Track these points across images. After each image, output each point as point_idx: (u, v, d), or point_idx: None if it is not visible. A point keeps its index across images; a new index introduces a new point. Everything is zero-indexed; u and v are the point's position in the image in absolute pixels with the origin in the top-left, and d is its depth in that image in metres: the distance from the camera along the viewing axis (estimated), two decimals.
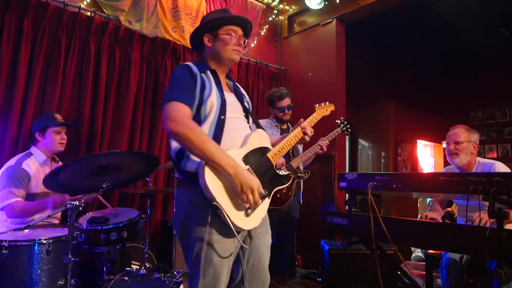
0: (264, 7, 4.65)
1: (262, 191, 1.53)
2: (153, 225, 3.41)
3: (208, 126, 1.56)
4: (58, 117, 2.55)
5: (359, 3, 4.09)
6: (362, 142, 6.18)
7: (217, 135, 1.55)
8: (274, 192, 1.67)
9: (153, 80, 3.55)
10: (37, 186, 2.42)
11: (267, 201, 1.62)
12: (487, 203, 1.49)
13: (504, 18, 4.79)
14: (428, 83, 6.73)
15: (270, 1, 4.73)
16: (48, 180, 1.86)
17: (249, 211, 1.52)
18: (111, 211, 2.64)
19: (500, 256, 1.47)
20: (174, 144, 1.59)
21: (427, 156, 7.22)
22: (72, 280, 1.78)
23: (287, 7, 4.81)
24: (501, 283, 2.01)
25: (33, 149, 2.50)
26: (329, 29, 4.36)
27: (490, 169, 2.41)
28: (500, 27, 4.85)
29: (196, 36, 1.74)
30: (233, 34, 1.68)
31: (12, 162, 2.40)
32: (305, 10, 4.58)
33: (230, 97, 1.68)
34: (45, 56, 2.92)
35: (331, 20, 4.33)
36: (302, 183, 3.31)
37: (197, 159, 1.50)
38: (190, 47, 3.68)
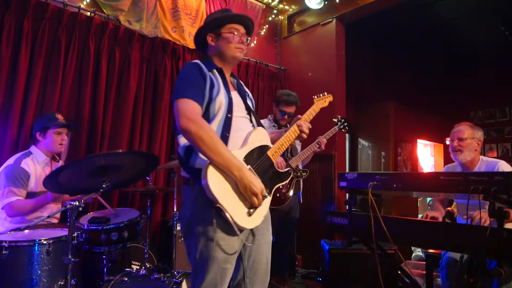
0: (264, 7, 4.65)
1: (266, 193, 1.55)
2: (153, 225, 3.41)
3: (216, 125, 1.58)
4: (60, 117, 2.55)
5: (358, 3, 4.09)
6: (362, 142, 6.18)
7: (225, 134, 1.58)
8: (274, 191, 1.69)
9: (153, 80, 3.55)
10: (37, 185, 2.41)
11: (268, 199, 1.64)
12: (488, 202, 1.49)
13: (503, 17, 4.78)
14: (428, 83, 6.73)
15: (270, 1, 4.73)
16: (48, 181, 1.86)
17: (251, 210, 1.54)
18: (111, 211, 2.64)
19: (500, 256, 1.47)
20: (183, 141, 1.60)
21: (427, 156, 7.22)
22: (72, 280, 1.78)
23: (287, 7, 4.81)
24: (501, 283, 2.01)
25: (33, 149, 2.50)
26: (328, 29, 4.36)
27: (494, 168, 2.40)
28: (500, 26, 4.85)
29: (200, 36, 1.76)
30: (236, 33, 1.70)
31: (11, 161, 2.40)
32: (305, 10, 4.58)
33: (234, 96, 1.70)
34: (45, 56, 2.92)
35: (331, 20, 4.33)
36: (301, 182, 3.31)
37: None
38: (190, 47, 3.78)
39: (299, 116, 1.87)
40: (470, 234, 1.61)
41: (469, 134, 2.47)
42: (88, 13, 3.19)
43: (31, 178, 2.39)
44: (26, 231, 2.12)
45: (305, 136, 1.82)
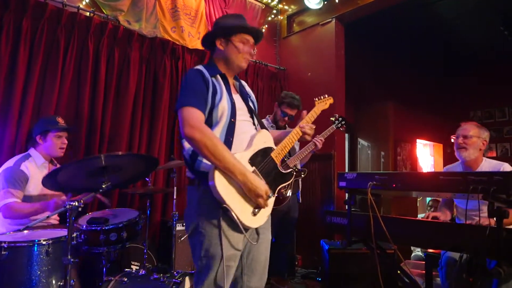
0: (263, 7, 4.65)
1: (270, 194, 1.60)
2: (153, 225, 3.40)
3: (220, 130, 1.63)
4: (60, 121, 2.54)
5: (358, 2, 4.09)
6: (362, 142, 6.18)
7: (229, 138, 1.63)
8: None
9: (152, 80, 3.55)
10: (35, 188, 2.41)
11: (272, 199, 1.69)
12: (487, 202, 1.49)
13: (503, 17, 4.79)
14: (427, 83, 6.74)
15: (269, 0, 4.73)
16: (47, 180, 1.86)
17: (256, 210, 1.60)
18: (110, 212, 2.64)
19: (500, 255, 1.47)
20: (188, 145, 1.65)
21: (426, 156, 7.23)
22: (72, 281, 1.78)
23: (286, 7, 4.81)
24: (500, 282, 2.01)
25: (31, 151, 2.49)
26: (328, 29, 4.36)
27: (498, 170, 2.37)
28: (499, 26, 4.85)
29: (209, 37, 1.79)
30: (246, 43, 1.74)
31: (10, 163, 2.39)
32: (304, 9, 4.58)
33: (237, 99, 1.74)
34: (43, 56, 2.91)
35: (330, 19, 4.33)
36: (300, 182, 3.31)
37: None
38: (189, 47, 3.78)
39: (304, 112, 1.94)
40: (470, 234, 1.61)
41: (475, 133, 2.45)
42: (87, 13, 3.18)
43: (29, 181, 2.38)
44: (26, 231, 2.11)
45: (308, 137, 1.88)
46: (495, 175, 1.49)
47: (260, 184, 1.55)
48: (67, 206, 1.69)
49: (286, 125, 3.28)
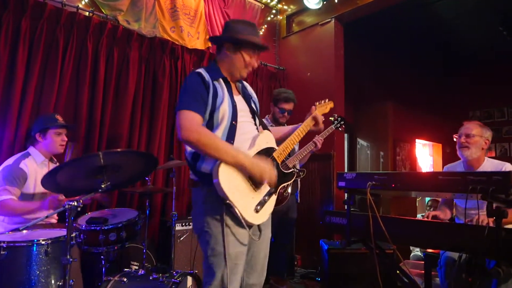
0: (262, 7, 4.65)
1: (275, 172, 1.68)
2: (152, 225, 3.40)
3: (221, 132, 1.66)
4: (59, 118, 2.54)
5: (357, 2, 4.09)
6: (361, 142, 6.18)
7: (229, 140, 1.65)
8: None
9: (151, 80, 3.54)
10: (35, 186, 2.40)
11: (273, 197, 1.74)
12: (486, 202, 1.49)
13: (502, 17, 4.79)
14: (426, 83, 6.74)
15: (269, 0, 4.73)
16: (46, 180, 1.86)
17: (258, 207, 1.64)
18: (110, 212, 2.64)
19: (499, 255, 1.47)
20: (189, 147, 1.67)
21: (425, 156, 7.23)
22: (71, 281, 1.78)
23: (285, 7, 4.81)
24: (499, 282, 2.01)
25: (31, 149, 2.49)
26: (327, 29, 4.36)
27: (500, 169, 2.37)
28: (498, 26, 4.86)
29: (219, 39, 1.85)
30: (253, 56, 1.78)
31: (10, 161, 2.39)
32: (304, 9, 4.58)
33: (239, 101, 1.77)
34: (42, 56, 2.91)
35: (329, 19, 4.33)
36: (299, 182, 3.30)
37: (211, 161, 1.59)
38: (189, 47, 3.78)
39: (313, 107, 2.05)
40: (469, 234, 1.61)
41: (478, 132, 2.45)
42: (87, 13, 3.18)
43: (28, 179, 2.38)
44: (25, 231, 2.11)
45: (321, 125, 2.02)
46: (494, 175, 1.50)
47: (264, 164, 1.60)
48: (66, 206, 1.69)
49: (285, 123, 3.27)
